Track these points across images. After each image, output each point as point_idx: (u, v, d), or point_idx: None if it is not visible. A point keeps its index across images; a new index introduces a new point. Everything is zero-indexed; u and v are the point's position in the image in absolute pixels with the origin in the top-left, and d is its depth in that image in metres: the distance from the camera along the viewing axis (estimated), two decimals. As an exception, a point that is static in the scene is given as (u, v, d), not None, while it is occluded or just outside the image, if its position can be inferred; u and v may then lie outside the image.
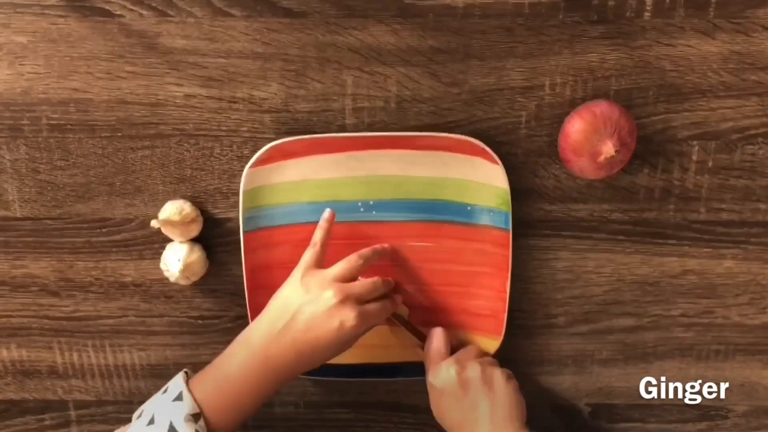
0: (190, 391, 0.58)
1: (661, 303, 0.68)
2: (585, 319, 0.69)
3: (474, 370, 0.63)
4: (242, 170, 0.65)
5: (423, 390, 0.69)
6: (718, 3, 0.61)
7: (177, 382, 0.60)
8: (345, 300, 0.59)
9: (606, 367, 0.70)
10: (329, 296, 0.59)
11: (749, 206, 0.66)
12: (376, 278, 0.63)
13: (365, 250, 0.64)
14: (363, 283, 0.61)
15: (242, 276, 0.66)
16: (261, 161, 0.63)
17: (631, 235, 0.67)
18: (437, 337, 0.65)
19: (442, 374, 0.63)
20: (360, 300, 0.61)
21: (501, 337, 0.67)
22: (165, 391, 0.59)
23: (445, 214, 0.65)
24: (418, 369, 0.67)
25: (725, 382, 0.70)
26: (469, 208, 0.65)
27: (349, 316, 0.59)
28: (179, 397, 0.58)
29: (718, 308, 0.69)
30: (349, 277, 0.61)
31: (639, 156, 0.64)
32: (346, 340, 0.60)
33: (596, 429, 0.72)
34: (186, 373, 0.61)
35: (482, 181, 0.64)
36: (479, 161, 0.63)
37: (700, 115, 0.63)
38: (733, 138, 0.64)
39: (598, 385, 0.71)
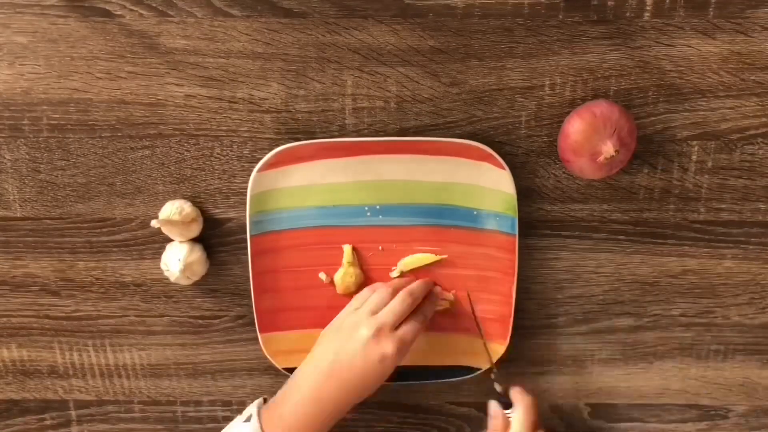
0: (259, 416, 0.61)
1: (661, 303, 0.69)
2: (585, 319, 0.69)
3: None
4: (242, 170, 0.65)
5: (423, 390, 0.69)
6: (718, 3, 0.61)
7: (251, 407, 0.63)
8: (379, 332, 0.60)
9: (606, 367, 0.70)
10: (363, 333, 0.60)
11: (749, 206, 0.66)
12: (404, 294, 0.62)
13: (409, 287, 0.64)
14: (392, 308, 0.61)
15: (242, 276, 0.67)
16: (268, 165, 0.63)
17: (631, 235, 0.67)
18: (532, 404, 0.64)
19: None
20: (394, 326, 0.61)
21: (507, 342, 0.67)
22: (242, 415, 0.63)
23: (451, 218, 0.65)
24: (425, 374, 0.68)
25: (725, 382, 0.71)
26: (475, 212, 0.65)
27: (387, 348, 0.59)
28: (248, 419, 0.61)
29: (717, 308, 0.69)
30: (400, 317, 0.61)
31: (639, 156, 0.64)
32: (394, 366, 0.60)
33: (596, 429, 0.72)
34: (265, 399, 0.64)
35: (489, 186, 0.64)
36: (486, 166, 0.63)
37: (699, 115, 0.64)
38: (733, 138, 0.64)
39: (598, 385, 0.71)
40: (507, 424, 0.64)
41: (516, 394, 0.64)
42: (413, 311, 0.63)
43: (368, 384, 0.60)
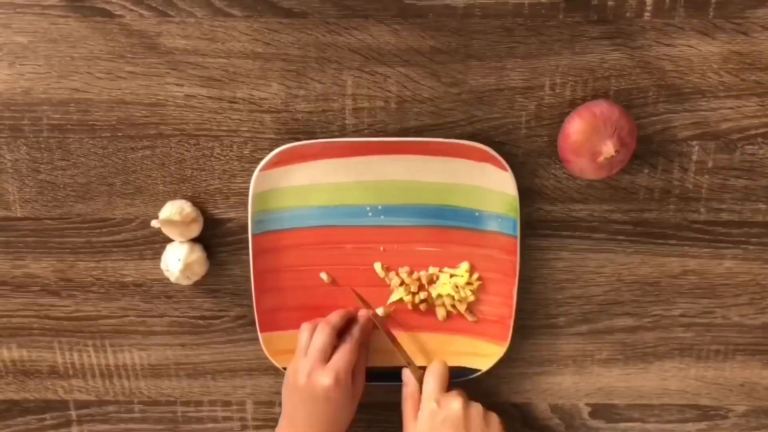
0: None
1: (661, 303, 0.69)
2: (585, 319, 0.69)
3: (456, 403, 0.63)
4: (243, 170, 0.65)
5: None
6: (718, 3, 0.61)
7: None
8: (312, 370, 0.62)
9: (606, 367, 0.70)
10: (301, 378, 0.62)
11: (749, 206, 0.66)
12: (322, 325, 0.64)
13: (333, 317, 0.65)
14: (315, 344, 0.63)
15: (242, 276, 0.67)
16: (271, 164, 0.63)
17: (631, 236, 0.67)
18: (443, 367, 0.67)
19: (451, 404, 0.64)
20: (326, 357, 0.62)
21: (507, 343, 0.67)
22: None
23: (453, 219, 0.65)
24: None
25: (725, 382, 0.70)
26: (477, 214, 0.65)
27: (324, 382, 0.61)
28: None
29: (717, 308, 0.69)
30: (324, 349, 0.63)
31: (639, 156, 0.64)
32: (344, 393, 0.62)
33: (596, 429, 0.72)
34: None
35: (491, 187, 0.64)
36: (488, 167, 0.63)
37: (700, 116, 0.64)
38: (733, 138, 0.64)
39: (598, 385, 0.71)
40: (418, 387, 0.66)
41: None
42: (343, 337, 0.64)
43: (335, 418, 0.63)
